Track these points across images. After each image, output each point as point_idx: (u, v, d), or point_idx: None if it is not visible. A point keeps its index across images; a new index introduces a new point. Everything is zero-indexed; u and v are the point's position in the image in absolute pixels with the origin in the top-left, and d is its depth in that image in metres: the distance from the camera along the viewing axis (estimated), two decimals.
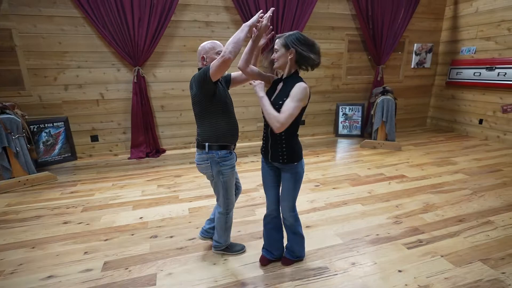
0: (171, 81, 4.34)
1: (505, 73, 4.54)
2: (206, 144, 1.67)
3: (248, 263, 1.93)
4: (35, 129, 3.78)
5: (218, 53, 1.69)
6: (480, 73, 4.91)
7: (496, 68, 4.67)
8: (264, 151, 1.72)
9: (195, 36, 4.28)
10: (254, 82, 1.60)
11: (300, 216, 1.90)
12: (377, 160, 3.96)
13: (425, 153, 4.26)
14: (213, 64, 1.52)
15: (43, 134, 3.84)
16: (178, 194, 2.99)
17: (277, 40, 1.59)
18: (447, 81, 5.57)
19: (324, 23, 4.87)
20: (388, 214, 2.54)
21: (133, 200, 2.87)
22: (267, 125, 1.66)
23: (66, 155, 4.04)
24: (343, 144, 4.81)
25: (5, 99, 3.63)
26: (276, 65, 1.60)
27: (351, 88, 5.37)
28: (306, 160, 3.98)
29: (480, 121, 5.07)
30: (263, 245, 1.94)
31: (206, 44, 1.75)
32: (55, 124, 3.91)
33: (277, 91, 1.63)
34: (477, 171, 3.51)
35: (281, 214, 1.82)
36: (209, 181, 1.84)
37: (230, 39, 1.53)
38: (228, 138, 1.73)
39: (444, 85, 5.70)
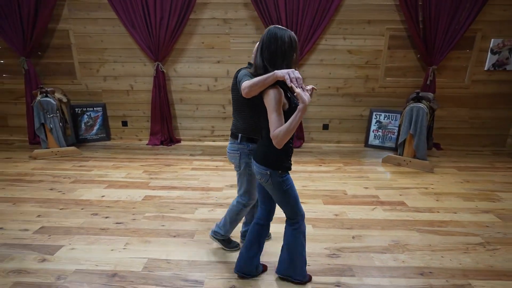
0: (189, 76, 4.60)
1: None
2: (240, 135, 1.75)
3: (135, 258, 1.94)
4: (79, 111, 4.63)
5: None
6: None
7: None
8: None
9: (213, 33, 4.40)
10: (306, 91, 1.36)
11: (239, 225, 1.95)
12: (388, 180, 3.28)
13: (463, 180, 3.28)
14: (242, 87, 1.47)
15: (85, 116, 4.67)
16: (150, 181, 3.19)
17: None
18: None
19: (358, 16, 4.25)
20: (331, 244, 2.10)
21: (113, 180, 3.22)
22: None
23: (102, 135, 4.81)
24: (364, 156, 4.15)
25: (62, 86, 4.58)
26: None
27: (391, 92, 4.55)
28: (305, 168, 3.63)
29: None
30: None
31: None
32: (95, 108, 4.70)
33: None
34: None
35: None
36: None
37: (255, 80, 1.40)
38: (259, 133, 1.74)
39: None
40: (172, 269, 1.83)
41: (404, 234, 2.24)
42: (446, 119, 4.66)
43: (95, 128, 4.76)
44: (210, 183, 3.17)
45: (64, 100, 4.14)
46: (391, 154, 3.92)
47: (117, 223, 2.36)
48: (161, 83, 4.45)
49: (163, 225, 2.33)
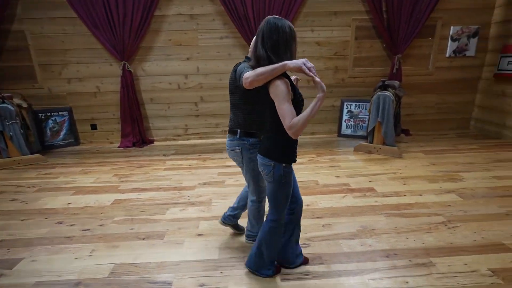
0: (158, 75, 4.48)
1: None
2: (238, 130, 1.71)
3: (102, 263, 1.88)
4: (43, 117, 4.40)
5: None
6: None
7: None
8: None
9: (180, 30, 4.30)
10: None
11: (210, 222, 2.12)
12: (359, 168, 3.36)
13: (429, 163, 3.42)
14: (243, 77, 1.43)
15: (50, 121, 4.45)
16: (120, 185, 3.10)
17: None
18: (496, 73, 4.32)
19: (324, 8, 4.29)
20: (302, 234, 2.13)
21: (80, 186, 3.10)
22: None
23: (70, 140, 4.61)
24: (337, 146, 4.23)
25: (22, 91, 4.33)
26: None
27: (360, 82, 4.65)
28: None
29: None
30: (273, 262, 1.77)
31: None
32: (60, 113, 4.49)
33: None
34: (481, 194, 2.65)
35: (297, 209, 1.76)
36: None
37: (262, 69, 1.36)
38: (258, 127, 1.73)
39: (493, 78, 4.44)
40: (140, 273, 1.79)
41: (372, 219, 2.31)
42: (414, 106, 4.83)
43: (62, 133, 4.55)
44: (183, 182, 3.12)
45: (24, 105, 3.92)
46: (362, 142, 4.02)
47: (83, 230, 2.28)
48: (128, 83, 4.31)
49: (132, 229, 2.27)
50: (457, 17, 4.39)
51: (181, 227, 2.28)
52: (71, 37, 4.23)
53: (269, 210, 1.62)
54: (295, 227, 1.75)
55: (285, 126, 1.36)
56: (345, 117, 4.71)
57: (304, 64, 1.32)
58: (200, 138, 4.82)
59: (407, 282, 1.65)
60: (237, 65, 1.62)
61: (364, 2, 4.27)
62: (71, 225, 2.34)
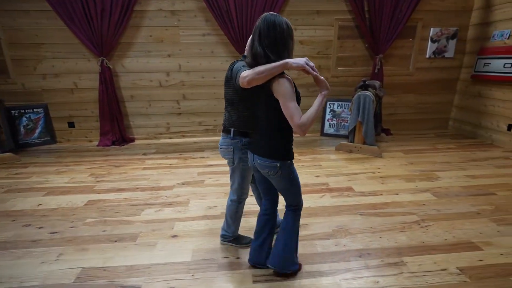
0: (139, 72, 4.37)
1: None
2: (232, 129, 1.69)
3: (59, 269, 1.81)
4: (16, 114, 4.22)
5: None
6: None
7: None
8: None
9: (161, 26, 4.20)
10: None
11: (185, 223, 2.10)
12: (339, 167, 3.38)
13: (408, 163, 3.48)
14: (241, 76, 1.39)
15: (24, 118, 4.27)
16: (96, 185, 3.00)
17: None
18: (473, 75, 4.43)
19: (307, 7, 4.28)
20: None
21: (53, 186, 2.98)
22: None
23: (45, 138, 4.44)
24: (319, 145, 4.24)
25: None
26: None
27: (343, 81, 4.68)
28: None
29: (509, 127, 3.92)
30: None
31: None
32: (35, 110, 4.31)
33: None
34: (455, 193, 2.71)
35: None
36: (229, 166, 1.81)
37: (261, 68, 1.34)
38: (252, 128, 1.69)
39: (470, 79, 4.55)
40: (108, 277, 1.73)
41: (348, 219, 2.32)
42: (395, 106, 4.90)
43: (37, 131, 4.37)
44: (161, 182, 3.06)
45: None
46: (344, 141, 4.05)
47: (52, 232, 2.19)
48: (107, 80, 4.18)
49: (104, 231, 2.20)
50: (436, 18, 4.48)
51: (156, 228, 2.22)
52: (46, 31, 4.06)
53: (286, 201, 1.66)
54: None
55: (293, 124, 1.35)
56: (328, 116, 4.73)
57: (307, 63, 1.33)
58: (183, 136, 4.74)
59: (377, 282, 1.66)
60: (234, 63, 1.59)
61: (346, 1, 4.29)
62: (39, 228, 2.25)
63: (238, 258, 1.88)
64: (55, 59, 4.19)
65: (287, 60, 1.32)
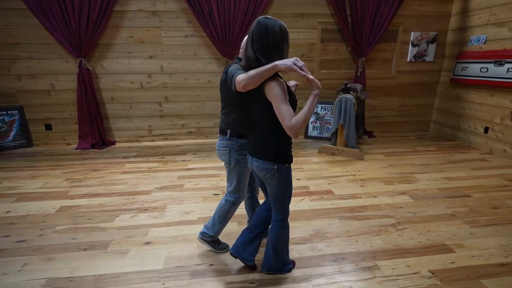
0: (120, 73, 4.27)
1: None
2: (229, 131, 1.69)
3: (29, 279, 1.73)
4: None
5: None
6: (487, 68, 3.86)
7: (506, 62, 3.61)
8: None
9: (142, 26, 4.12)
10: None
11: (160, 229, 2.03)
12: (320, 170, 3.38)
13: (388, 165, 3.51)
14: (236, 81, 1.41)
15: None
16: (70, 190, 2.90)
17: None
18: (452, 78, 4.53)
19: (291, 9, 4.29)
20: None
21: (25, 192, 2.87)
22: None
23: (21, 141, 4.28)
24: (303, 148, 4.25)
25: None
26: None
27: (326, 84, 4.71)
28: None
29: (486, 130, 4.02)
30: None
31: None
32: (9, 112, 4.15)
33: None
34: (432, 195, 2.75)
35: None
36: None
37: (253, 72, 1.35)
38: (249, 129, 1.70)
39: (449, 82, 4.66)
40: None
41: (326, 223, 2.31)
42: (378, 108, 4.97)
43: (12, 134, 4.21)
44: (139, 186, 2.98)
45: None
46: (327, 144, 4.06)
47: (18, 241, 2.09)
48: (86, 81, 4.07)
49: (74, 238, 2.12)
50: (417, 23, 4.56)
51: (129, 235, 2.16)
52: (21, 30, 3.92)
53: (274, 211, 1.64)
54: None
55: (284, 127, 1.36)
56: (312, 119, 4.75)
57: (295, 64, 1.30)
58: (165, 139, 4.67)
59: (350, 287, 1.66)
60: (228, 66, 1.59)
61: (329, 5, 4.32)
62: (5, 237, 2.15)
63: (211, 265, 1.84)
64: (30, 60, 4.05)
65: (276, 62, 1.32)
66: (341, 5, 4.21)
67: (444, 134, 4.82)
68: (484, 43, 3.98)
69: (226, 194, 1.86)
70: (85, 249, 2.00)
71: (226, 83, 1.60)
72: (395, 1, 4.23)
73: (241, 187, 1.80)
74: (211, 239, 1.92)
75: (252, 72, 1.35)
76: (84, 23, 3.84)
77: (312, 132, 4.76)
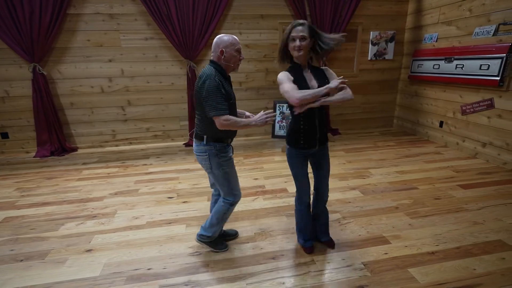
0: (78, 78, 4.17)
1: (463, 65, 3.64)
2: (205, 136, 1.68)
3: None
4: None
5: (237, 50, 1.68)
6: (439, 65, 4.02)
7: (454, 59, 3.77)
8: (310, 140, 1.73)
9: (99, 30, 4.04)
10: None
11: (105, 236, 2.10)
12: (280, 169, 3.42)
13: (347, 161, 3.60)
14: (217, 122, 1.59)
15: None
16: (19, 200, 2.81)
17: (302, 28, 1.60)
18: (409, 75, 4.69)
19: (251, 11, 4.32)
20: (197, 243, 2.09)
21: None
22: (311, 114, 1.69)
23: None
24: (268, 147, 4.29)
25: None
26: (301, 53, 1.66)
27: None
28: (190, 167, 3.59)
29: (441, 124, 4.19)
30: (303, 236, 1.98)
31: (225, 36, 1.66)
32: None
33: (314, 79, 1.75)
34: (381, 189, 2.84)
35: (316, 199, 1.99)
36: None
37: (233, 121, 1.61)
38: (226, 133, 1.70)
39: (407, 79, 4.82)
40: None
41: (274, 221, 2.35)
42: (343, 106, 5.07)
43: None
44: (92, 193, 2.92)
45: None
46: None
47: None
48: (41, 87, 3.95)
49: (12, 250, 2.06)
50: (375, 23, 4.70)
51: (71, 243, 2.12)
52: None
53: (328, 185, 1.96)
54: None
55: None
56: (278, 118, 4.79)
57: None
58: (130, 143, 4.59)
59: (283, 283, 1.69)
60: (202, 72, 1.63)
61: (289, 6, 4.38)
62: None
63: (149, 269, 1.83)
64: None
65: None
66: (300, 6, 4.28)
67: (406, 129, 4.99)
68: (436, 41, 4.15)
69: (222, 196, 1.86)
70: (21, 260, 1.94)
71: (199, 92, 1.61)
72: (352, 1, 4.34)
73: (233, 186, 1.81)
74: (210, 239, 1.93)
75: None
76: (36, 27, 3.73)
77: (278, 131, 4.80)
